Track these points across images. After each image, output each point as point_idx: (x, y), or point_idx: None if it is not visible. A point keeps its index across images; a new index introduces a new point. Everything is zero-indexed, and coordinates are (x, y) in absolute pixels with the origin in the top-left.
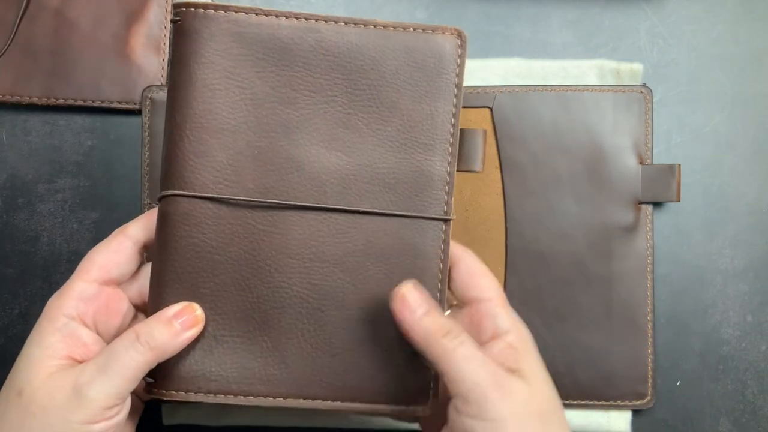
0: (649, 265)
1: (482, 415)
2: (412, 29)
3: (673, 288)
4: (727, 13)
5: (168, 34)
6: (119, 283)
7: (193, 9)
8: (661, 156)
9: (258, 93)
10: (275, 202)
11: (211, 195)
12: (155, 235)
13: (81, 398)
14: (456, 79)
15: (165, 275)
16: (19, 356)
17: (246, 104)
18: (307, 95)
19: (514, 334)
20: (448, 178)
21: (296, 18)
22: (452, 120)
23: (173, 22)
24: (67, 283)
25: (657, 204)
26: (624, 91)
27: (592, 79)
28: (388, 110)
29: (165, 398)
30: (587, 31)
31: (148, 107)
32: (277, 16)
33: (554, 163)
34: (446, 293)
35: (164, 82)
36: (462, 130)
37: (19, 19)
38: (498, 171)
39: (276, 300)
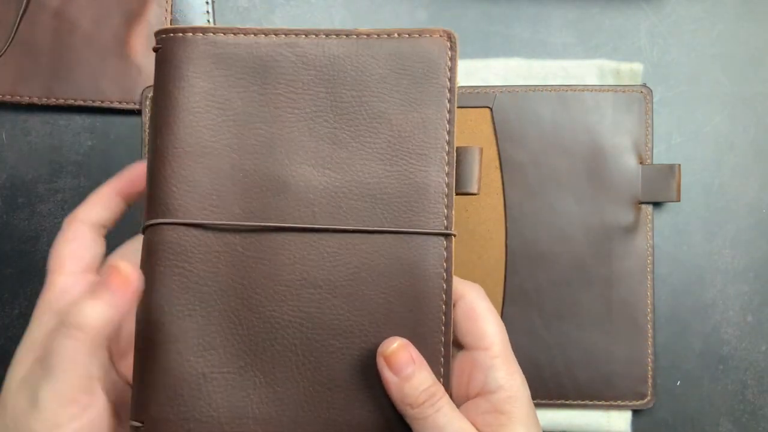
0: (649, 265)
1: None
2: (396, 35)
3: (673, 288)
4: (727, 13)
5: None
6: (96, 270)
7: (172, 34)
8: (661, 156)
9: (240, 113)
10: (261, 225)
11: (196, 221)
12: (141, 266)
13: (35, 402)
14: (448, 83)
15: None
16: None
17: (228, 126)
18: (290, 112)
19: (505, 392)
20: (446, 190)
21: (275, 34)
22: (447, 127)
23: (155, 50)
24: (47, 283)
25: (657, 204)
26: (624, 91)
27: (592, 79)
28: (376, 121)
29: None
30: (587, 31)
31: (148, 107)
32: (255, 34)
33: (554, 163)
34: (452, 316)
35: None
36: (456, 148)
37: (19, 19)
38: (498, 171)
39: (267, 331)
